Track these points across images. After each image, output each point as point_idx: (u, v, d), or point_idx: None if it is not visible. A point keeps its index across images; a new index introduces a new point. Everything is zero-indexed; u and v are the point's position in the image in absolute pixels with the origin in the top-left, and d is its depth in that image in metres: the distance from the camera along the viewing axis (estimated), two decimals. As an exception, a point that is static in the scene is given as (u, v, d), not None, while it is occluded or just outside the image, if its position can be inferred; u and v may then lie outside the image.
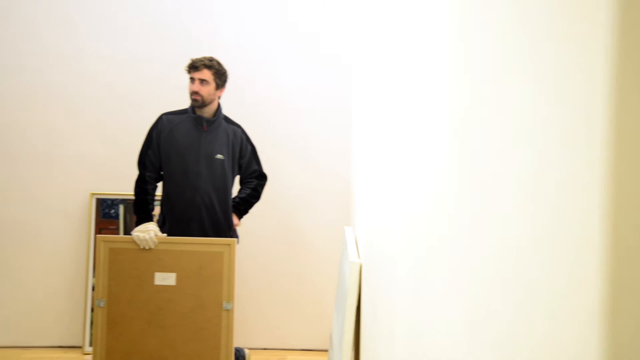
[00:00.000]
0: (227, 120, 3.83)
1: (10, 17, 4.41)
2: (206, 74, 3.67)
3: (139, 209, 3.71)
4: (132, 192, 3.79)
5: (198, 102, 3.68)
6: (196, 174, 3.68)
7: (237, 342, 3.97)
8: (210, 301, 3.43)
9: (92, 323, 4.32)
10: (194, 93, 3.67)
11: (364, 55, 2.83)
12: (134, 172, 3.80)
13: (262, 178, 3.95)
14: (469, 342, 0.80)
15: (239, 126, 3.86)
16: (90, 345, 4.30)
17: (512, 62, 0.66)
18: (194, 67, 3.68)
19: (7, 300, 4.47)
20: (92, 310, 4.27)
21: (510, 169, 0.66)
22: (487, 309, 0.72)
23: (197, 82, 3.67)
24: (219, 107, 3.79)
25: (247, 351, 4.08)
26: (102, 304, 3.42)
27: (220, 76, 3.73)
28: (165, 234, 3.54)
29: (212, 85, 3.70)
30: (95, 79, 4.50)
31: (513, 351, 0.64)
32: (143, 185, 3.74)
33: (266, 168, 3.99)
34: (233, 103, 4.04)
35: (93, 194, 4.54)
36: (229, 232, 3.77)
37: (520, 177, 0.63)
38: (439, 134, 1.00)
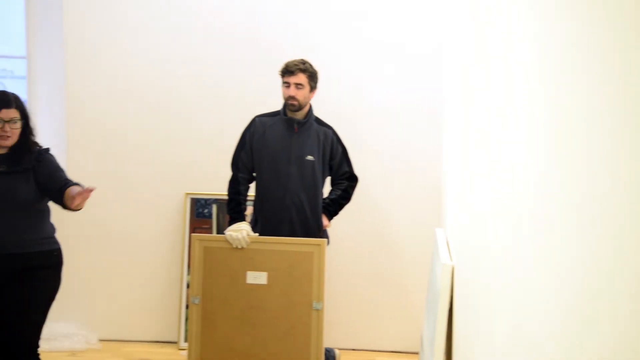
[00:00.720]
0: (319, 121, 3.85)
1: (107, 24, 4.60)
2: (301, 78, 3.69)
3: (232, 209, 3.79)
4: (225, 193, 3.87)
5: (295, 107, 3.72)
6: (287, 175, 3.72)
7: (327, 342, 3.98)
8: (300, 301, 3.46)
9: (187, 319, 4.44)
10: (290, 98, 3.70)
11: (456, 55, 2.78)
12: (227, 173, 3.88)
13: (353, 179, 3.94)
14: (575, 347, 0.77)
15: (330, 127, 3.87)
16: (186, 341, 4.42)
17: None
18: (288, 71, 3.70)
19: (109, 296, 4.66)
20: (187, 307, 4.39)
21: (610, 168, 0.63)
22: (595, 312, 0.70)
23: (292, 87, 3.69)
24: (310, 109, 3.81)
25: (337, 351, 4.09)
26: (196, 301, 3.51)
27: (313, 78, 3.76)
28: (257, 234, 3.59)
29: (307, 88, 3.72)
30: (191, 82, 4.63)
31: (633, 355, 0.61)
32: (236, 186, 3.81)
33: (356, 169, 3.99)
34: (322, 104, 4.06)
35: (188, 193, 4.67)
36: (319, 233, 3.79)
37: (620, 179, 0.60)
38: (539, 134, 0.97)
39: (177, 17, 4.62)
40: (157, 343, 4.66)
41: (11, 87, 5.46)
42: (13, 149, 2.92)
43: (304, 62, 3.73)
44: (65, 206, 2.92)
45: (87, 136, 4.61)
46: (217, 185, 4.36)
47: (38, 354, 2.96)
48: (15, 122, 2.89)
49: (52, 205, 3.07)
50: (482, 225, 1.59)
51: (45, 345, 2.97)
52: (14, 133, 2.89)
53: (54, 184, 2.92)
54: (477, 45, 1.88)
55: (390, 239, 4.63)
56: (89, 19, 4.58)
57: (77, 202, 2.78)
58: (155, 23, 4.61)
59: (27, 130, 2.96)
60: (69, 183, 2.92)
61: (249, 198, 3.88)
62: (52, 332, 4.30)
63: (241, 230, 3.50)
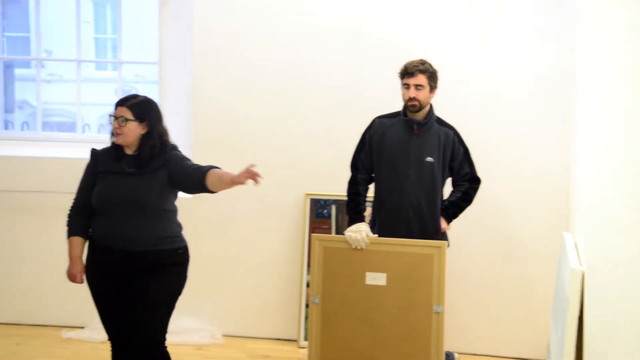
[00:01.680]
0: (439, 121, 3.78)
1: (233, 32, 4.74)
2: (421, 79, 3.64)
3: (351, 210, 3.80)
4: (345, 193, 3.89)
5: (416, 108, 3.68)
6: (405, 176, 3.68)
7: (447, 345, 3.91)
8: (420, 303, 3.42)
9: (306, 318, 4.50)
10: (410, 99, 3.66)
11: (590, 55, 2.66)
12: (347, 174, 3.90)
13: (474, 181, 3.83)
14: None
15: (451, 128, 3.79)
16: (306, 339, 4.48)
17: None
18: (408, 73, 3.67)
19: (233, 293, 4.80)
20: (307, 306, 4.44)
21: None
22: None
23: (412, 88, 3.65)
24: (430, 109, 3.75)
25: (457, 355, 4.02)
26: (316, 301, 3.54)
27: (433, 78, 3.70)
28: (376, 235, 3.58)
29: (427, 88, 3.67)
30: (312, 84, 4.69)
31: None
32: (355, 187, 3.82)
33: (478, 171, 3.88)
34: (442, 105, 3.99)
35: (308, 194, 4.73)
36: (437, 235, 3.71)
37: None
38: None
39: (300, 20, 4.69)
40: (278, 340, 4.75)
41: (143, 91, 5.76)
42: (140, 150, 3.05)
43: (423, 63, 3.68)
44: (206, 189, 3.01)
45: (212, 137, 4.77)
46: (337, 186, 4.39)
47: (165, 347, 3.08)
48: (125, 121, 3.00)
49: (181, 205, 3.19)
50: (626, 229, 1.51)
51: (173, 338, 3.09)
52: (123, 131, 3.00)
53: (187, 173, 3.02)
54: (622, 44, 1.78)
55: (513, 243, 4.49)
56: (215, 27, 4.74)
57: (243, 180, 2.85)
58: (278, 27, 4.70)
59: (152, 132, 3.06)
60: (204, 167, 3.01)
61: (367, 199, 3.88)
62: (180, 326, 4.49)
63: (360, 231, 3.50)
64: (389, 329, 3.44)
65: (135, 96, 3.10)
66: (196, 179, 3.00)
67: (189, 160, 3.12)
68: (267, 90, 4.73)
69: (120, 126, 2.99)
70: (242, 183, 2.89)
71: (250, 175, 2.87)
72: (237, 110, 4.76)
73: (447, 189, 3.91)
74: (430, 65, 3.70)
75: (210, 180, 2.98)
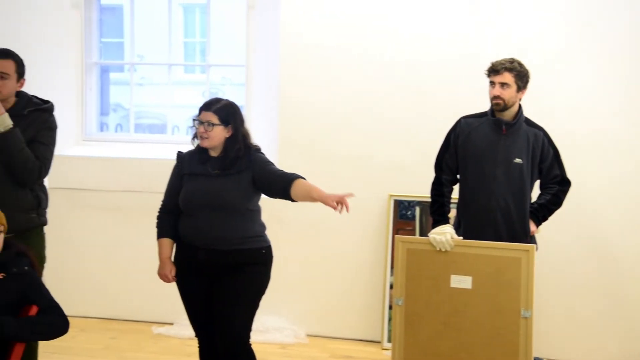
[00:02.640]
0: (528, 122, 3.68)
1: (319, 33, 4.78)
2: (507, 77, 3.56)
3: (435, 211, 3.75)
4: (428, 195, 3.84)
5: (500, 106, 3.60)
6: (493, 178, 3.60)
7: (536, 351, 3.80)
8: (507, 307, 3.34)
9: (390, 320, 4.48)
10: (495, 97, 3.59)
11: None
12: (431, 175, 3.85)
13: (564, 184, 3.71)
14: None
15: (540, 129, 3.68)
16: (389, 341, 4.46)
17: None
18: (494, 70, 3.60)
19: (316, 293, 4.84)
20: (390, 307, 4.43)
21: None
22: None
23: (497, 86, 3.57)
24: (519, 110, 3.66)
25: (546, 362, 3.91)
26: (400, 303, 3.52)
27: (522, 78, 3.60)
28: (460, 237, 3.53)
29: (513, 87, 3.58)
30: (398, 84, 4.67)
31: None
32: (439, 188, 3.77)
33: (568, 172, 3.76)
34: (532, 105, 3.89)
35: (392, 195, 4.71)
36: (526, 238, 3.62)
37: None
38: None
39: (385, 22, 4.69)
40: (361, 341, 4.75)
41: (230, 93, 5.89)
42: (225, 152, 3.11)
43: (511, 61, 3.59)
44: (289, 198, 3.04)
45: (297, 138, 4.82)
46: (421, 187, 4.35)
47: (250, 345, 3.14)
48: (210, 126, 3.06)
49: (264, 205, 3.23)
50: None
51: (257, 337, 3.15)
52: (209, 135, 3.06)
53: (272, 178, 3.06)
54: None
55: (605, 247, 4.33)
56: (301, 30, 4.79)
57: (332, 203, 2.86)
58: (363, 29, 4.71)
59: (237, 135, 3.12)
60: (291, 176, 3.03)
61: (452, 200, 3.82)
62: (264, 325, 4.57)
63: (445, 233, 3.45)
64: (474, 334, 3.37)
65: (219, 100, 3.16)
66: (281, 186, 3.03)
67: (272, 164, 3.15)
68: (351, 91, 4.75)
69: (206, 130, 3.05)
70: (330, 206, 2.89)
71: (341, 201, 2.87)
72: (321, 111, 4.79)
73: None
74: (519, 64, 3.60)
75: (295, 190, 3.00)
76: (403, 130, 4.68)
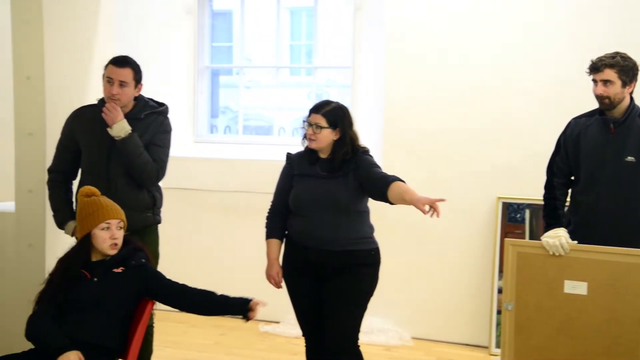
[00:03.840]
0: None
1: (423, 34, 4.73)
2: (609, 74, 3.35)
3: (548, 214, 3.61)
4: (539, 197, 3.72)
5: (605, 105, 3.41)
6: (601, 178, 3.42)
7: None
8: (626, 315, 3.17)
9: (498, 325, 4.37)
10: (599, 96, 3.40)
11: None
12: (541, 176, 3.72)
13: None
14: None
15: None
16: (497, 346, 4.35)
17: None
18: (594, 68, 3.41)
19: (422, 295, 4.79)
20: (499, 312, 4.31)
21: None
22: None
23: (600, 84, 3.38)
24: (630, 105, 3.44)
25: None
26: (509, 307, 3.42)
27: (627, 72, 3.36)
28: (575, 241, 3.38)
29: (618, 84, 3.36)
30: (503, 84, 4.57)
31: None
32: (551, 191, 3.63)
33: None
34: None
35: (500, 197, 4.60)
36: (637, 243, 3.41)
37: None
38: None
39: (495, 20, 4.60)
40: (468, 346, 4.67)
41: (335, 95, 5.92)
42: (333, 154, 3.12)
43: (613, 56, 3.37)
44: (387, 200, 3.02)
45: (402, 139, 4.79)
46: (531, 189, 4.22)
47: (358, 346, 3.14)
48: (319, 128, 3.07)
49: (372, 207, 3.23)
50: None
51: (362, 337, 3.14)
52: (318, 138, 3.08)
53: (372, 180, 3.05)
54: None
55: None
56: (406, 31, 4.77)
57: (422, 207, 2.82)
58: (469, 30, 4.64)
59: (345, 138, 3.13)
60: (390, 178, 3.01)
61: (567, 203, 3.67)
62: (369, 326, 4.55)
63: (559, 237, 3.32)
64: (590, 342, 3.23)
65: (328, 103, 3.17)
66: (379, 188, 3.01)
67: (378, 167, 3.14)
68: (457, 92, 4.68)
69: (314, 133, 3.08)
70: (420, 209, 2.83)
71: (432, 204, 2.81)
72: (427, 112, 4.75)
73: None
74: (622, 57, 3.36)
75: (392, 192, 2.96)
76: (512, 130, 4.56)
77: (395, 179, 2.99)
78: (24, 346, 2.78)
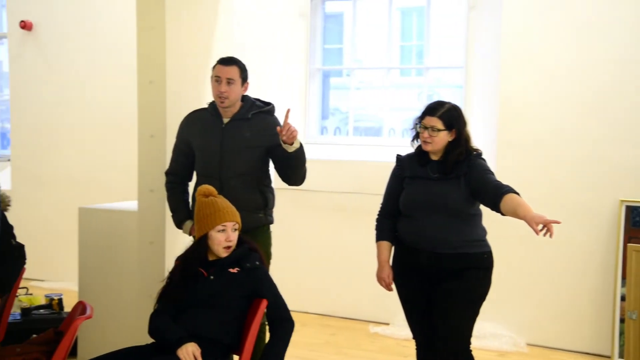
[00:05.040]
0: None
1: (540, 31, 4.57)
2: None
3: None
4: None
5: None
6: None
7: None
8: None
9: (621, 334, 4.16)
10: None
11: None
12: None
13: None
14: None
15: None
16: (620, 356, 4.14)
17: None
18: None
19: (538, 301, 4.63)
20: (622, 320, 4.10)
21: None
22: None
23: None
24: None
25: None
26: (634, 317, 3.26)
27: None
28: None
29: None
30: (622, 81, 4.36)
31: None
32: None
33: None
34: None
35: (623, 200, 4.38)
36: None
37: None
38: None
39: (617, 16, 4.39)
40: (587, 355, 4.48)
41: (446, 95, 5.83)
42: (446, 156, 3.07)
43: None
44: (498, 210, 2.94)
45: (517, 139, 4.66)
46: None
47: (470, 351, 3.07)
48: (435, 131, 3.01)
49: (485, 209, 3.15)
50: None
51: (474, 342, 3.07)
52: (433, 140, 3.02)
53: (485, 188, 2.97)
54: None
55: None
56: (523, 28, 4.64)
57: (534, 226, 2.73)
58: (590, 26, 4.45)
59: (459, 139, 3.07)
60: (504, 189, 2.92)
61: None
62: (481, 330, 4.46)
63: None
64: None
65: (442, 104, 3.11)
66: (492, 198, 2.92)
67: (491, 173, 3.05)
68: (575, 90, 4.50)
69: (430, 135, 3.03)
70: (533, 228, 2.71)
71: (546, 224, 2.69)
72: (544, 112, 4.59)
73: None
74: None
75: (505, 204, 2.86)
76: (635, 129, 4.34)
77: (509, 190, 2.89)
78: (147, 338, 2.91)
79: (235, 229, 2.95)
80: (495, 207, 2.92)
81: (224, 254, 2.91)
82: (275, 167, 3.46)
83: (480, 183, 2.99)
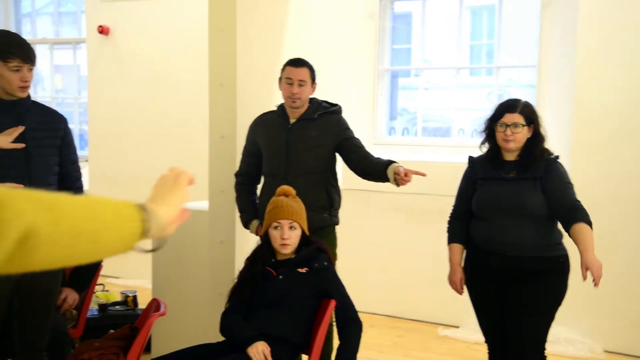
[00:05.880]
0: None
1: (620, 27, 4.42)
2: None
3: None
4: None
5: None
6: None
7: None
8: None
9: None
10: None
11: None
12: None
13: None
14: None
15: None
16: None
17: None
18: None
19: (615, 307, 4.48)
20: None
21: None
22: None
23: None
24: None
25: None
26: None
27: None
28: None
29: None
30: None
31: None
32: None
33: None
34: None
35: None
36: None
37: None
38: None
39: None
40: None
41: (517, 95, 5.71)
42: (523, 155, 3.00)
43: None
44: (567, 232, 2.88)
45: (593, 141, 4.52)
46: None
47: (545, 357, 3.00)
48: (517, 127, 2.96)
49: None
50: None
51: (548, 347, 2.99)
52: (516, 138, 2.96)
53: (559, 204, 2.90)
54: None
55: None
56: (601, 25, 4.49)
57: (584, 273, 2.70)
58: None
59: (537, 136, 3.00)
60: (577, 216, 2.83)
61: None
62: (556, 335, 4.34)
63: None
64: None
65: (517, 100, 3.07)
66: (563, 217, 2.90)
67: (570, 186, 2.97)
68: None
69: (513, 133, 2.97)
70: (582, 272, 2.68)
71: (596, 275, 2.64)
72: (622, 113, 4.44)
73: None
74: None
75: (573, 233, 2.83)
76: None
77: (583, 218, 2.84)
78: (218, 336, 2.96)
79: (293, 228, 2.96)
80: (566, 230, 2.89)
81: (282, 250, 2.94)
82: (347, 161, 3.44)
83: (557, 196, 2.92)
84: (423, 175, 3.12)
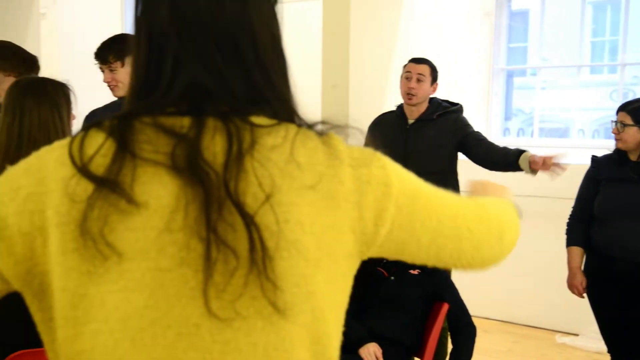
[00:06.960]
0: None
1: None
2: None
3: None
4: None
5: None
6: None
7: None
8: None
9: None
10: None
11: None
12: None
13: None
14: None
15: None
16: None
17: None
18: None
19: None
20: None
21: None
22: None
23: None
24: None
25: None
26: None
27: None
28: None
29: None
30: None
31: None
32: None
33: None
34: None
35: None
36: None
37: None
38: None
39: None
40: None
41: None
42: None
43: None
44: None
45: None
46: None
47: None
48: (622, 126, 2.82)
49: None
50: None
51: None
52: (622, 137, 2.84)
53: None
54: None
55: None
56: None
57: None
58: None
59: None
60: None
61: None
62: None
63: None
64: None
65: (637, 100, 2.93)
66: None
67: None
68: None
69: (618, 132, 2.85)
70: None
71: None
72: None
73: None
74: None
75: None
76: None
77: None
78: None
79: None
80: None
81: None
82: (472, 156, 3.37)
83: None
84: (563, 168, 3.01)
